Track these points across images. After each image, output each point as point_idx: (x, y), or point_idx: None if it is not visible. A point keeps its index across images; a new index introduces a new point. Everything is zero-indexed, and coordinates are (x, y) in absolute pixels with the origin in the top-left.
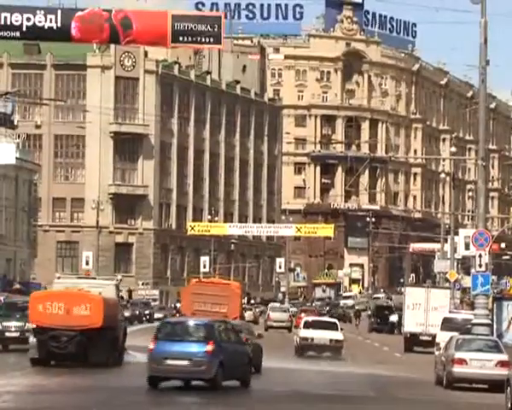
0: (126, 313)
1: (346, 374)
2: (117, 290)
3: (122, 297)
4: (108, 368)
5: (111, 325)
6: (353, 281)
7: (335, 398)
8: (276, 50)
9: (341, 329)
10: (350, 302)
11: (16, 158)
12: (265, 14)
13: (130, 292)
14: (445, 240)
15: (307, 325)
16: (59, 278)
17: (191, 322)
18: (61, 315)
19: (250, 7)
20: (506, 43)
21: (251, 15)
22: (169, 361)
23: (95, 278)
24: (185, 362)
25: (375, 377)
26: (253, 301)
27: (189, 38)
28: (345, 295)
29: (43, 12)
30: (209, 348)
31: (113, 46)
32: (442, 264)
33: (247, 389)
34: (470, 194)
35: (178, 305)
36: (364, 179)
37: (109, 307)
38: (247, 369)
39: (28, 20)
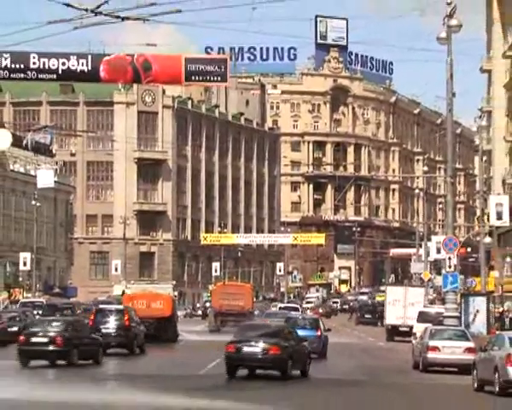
0: None
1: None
2: (173, 291)
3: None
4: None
5: (173, 314)
6: (342, 281)
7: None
8: (274, 87)
9: None
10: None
11: (55, 181)
12: (264, 56)
13: None
14: (420, 245)
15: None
16: (133, 283)
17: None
18: (144, 309)
19: (251, 50)
20: (470, 76)
21: (252, 57)
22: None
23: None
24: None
25: (363, 363)
26: (260, 299)
27: (200, 77)
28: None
29: (75, 57)
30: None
31: (135, 85)
32: (417, 266)
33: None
34: (440, 206)
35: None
36: (350, 195)
37: (173, 302)
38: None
39: (63, 64)
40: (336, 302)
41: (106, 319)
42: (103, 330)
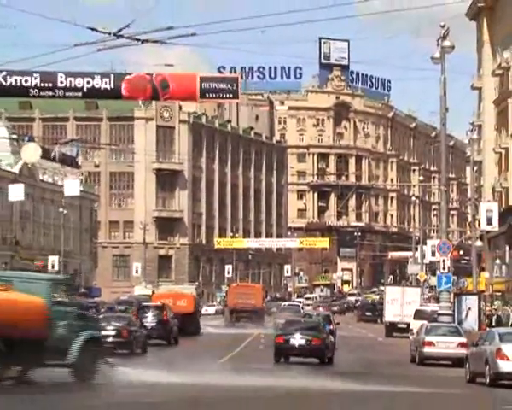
0: None
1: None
2: (196, 291)
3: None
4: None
5: (196, 311)
6: (345, 282)
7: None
8: (282, 103)
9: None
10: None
11: (80, 191)
12: (272, 75)
13: None
14: (416, 249)
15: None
16: (161, 285)
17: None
18: (170, 306)
19: (260, 69)
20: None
21: (261, 76)
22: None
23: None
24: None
25: (365, 357)
26: (268, 299)
27: (214, 94)
28: (349, 292)
29: (99, 76)
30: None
31: (154, 102)
32: (414, 268)
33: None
34: (435, 212)
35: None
36: (352, 202)
37: (195, 300)
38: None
39: (88, 83)
40: (346, 302)
41: (147, 314)
42: (145, 324)
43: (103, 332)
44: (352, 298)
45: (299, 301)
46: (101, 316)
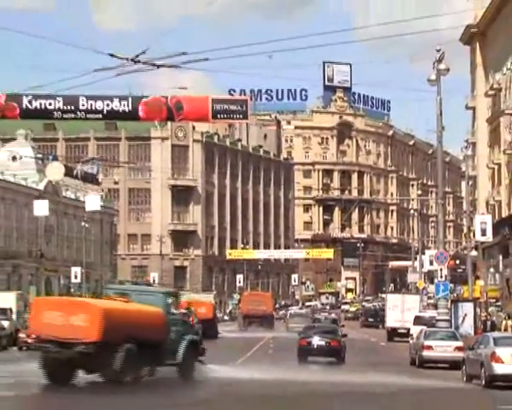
0: None
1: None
2: (214, 299)
3: None
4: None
5: (214, 317)
6: (348, 290)
7: None
8: (288, 123)
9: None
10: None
11: (101, 206)
12: (280, 97)
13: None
14: (415, 258)
15: None
16: (183, 295)
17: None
18: None
19: (268, 91)
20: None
21: (269, 98)
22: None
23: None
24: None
25: (368, 360)
26: (277, 306)
27: (225, 115)
28: (343, 301)
29: (118, 99)
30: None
31: (169, 123)
32: (413, 276)
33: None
34: (432, 224)
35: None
36: (355, 215)
37: (213, 307)
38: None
39: (108, 105)
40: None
41: None
42: None
43: None
44: (346, 306)
45: (309, 306)
46: None
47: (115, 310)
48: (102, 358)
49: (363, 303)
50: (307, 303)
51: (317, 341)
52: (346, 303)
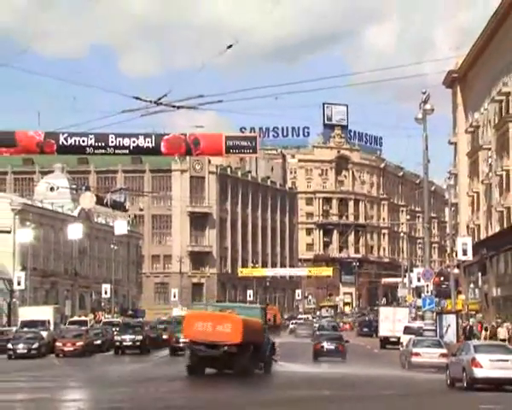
0: None
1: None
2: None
3: None
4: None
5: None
6: (346, 303)
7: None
8: (292, 156)
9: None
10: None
11: (128, 230)
12: (285, 134)
13: None
14: (405, 276)
15: None
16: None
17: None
18: None
19: (275, 129)
20: (440, 147)
21: (275, 134)
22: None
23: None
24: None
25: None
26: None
27: (236, 150)
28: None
29: (143, 136)
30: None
31: (188, 157)
32: (403, 291)
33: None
34: (419, 245)
35: None
36: (351, 238)
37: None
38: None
39: (133, 142)
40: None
41: None
42: None
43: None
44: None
45: (314, 317)
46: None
47: (247, 321)
48: (238, 356)
49: (358, 316)
50: (307, 315)
51: (327, 345)
52: (325, 317)
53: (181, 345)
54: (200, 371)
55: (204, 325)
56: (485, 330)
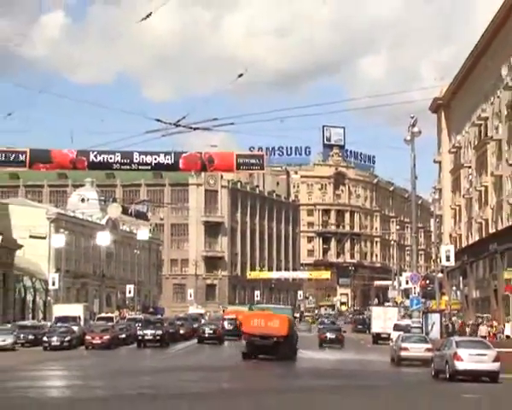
0: None
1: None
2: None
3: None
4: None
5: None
6: (342, 303)
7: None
8: (295, 173)
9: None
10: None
11: (149, 237)
12: (289, 152)
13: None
14: (394, 279)
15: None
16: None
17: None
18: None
19: (280, 148)
20: (426, 165)
21: (280, 153)
22: None
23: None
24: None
25: (357, 358)
26: None
27: (246, 167)
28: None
29: (163, 154)
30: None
31: (203, 173)
32: (393, 293)
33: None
34: (408, 252)
35: None
36: (347, 245)
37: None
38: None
39: (155, 159)
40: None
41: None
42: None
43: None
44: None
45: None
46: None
47: (289, 318)
48: (283, 345)
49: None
50: (308, 313)
51: (329, 335)
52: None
53: (206, 335)
54: (253, 357)
55: (258, 321)
56: (467, 326)
